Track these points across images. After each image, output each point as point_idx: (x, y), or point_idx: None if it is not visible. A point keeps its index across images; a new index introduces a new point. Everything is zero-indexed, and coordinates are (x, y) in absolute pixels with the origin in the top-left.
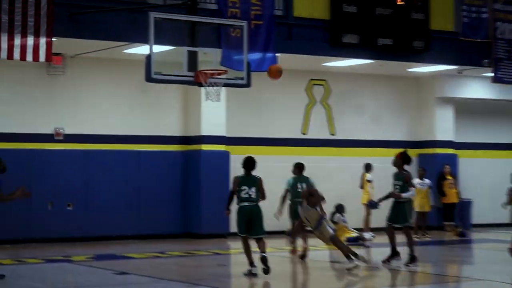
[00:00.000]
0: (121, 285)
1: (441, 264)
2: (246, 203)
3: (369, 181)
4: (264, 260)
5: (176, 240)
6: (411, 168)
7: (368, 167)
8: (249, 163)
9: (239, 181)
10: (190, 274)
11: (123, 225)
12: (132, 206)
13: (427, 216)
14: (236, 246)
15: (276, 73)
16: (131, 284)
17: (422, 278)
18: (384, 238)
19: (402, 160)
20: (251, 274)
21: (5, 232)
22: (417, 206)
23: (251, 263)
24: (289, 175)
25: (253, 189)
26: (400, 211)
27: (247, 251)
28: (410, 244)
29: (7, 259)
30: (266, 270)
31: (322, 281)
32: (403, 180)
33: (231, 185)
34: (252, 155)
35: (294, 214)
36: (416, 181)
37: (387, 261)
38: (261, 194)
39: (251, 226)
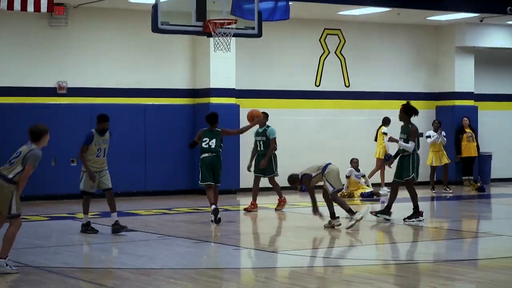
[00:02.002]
0: (128, 242)
1: (459, 220)
2: (206, 154)
3: (385, 133)
4: (216, 211)
5: (183, 196)
6: (428, 121)
7: (386, 121)
8: (211, 118)
9: (202, 133)
10: (198, 231)
11: (129, 181)
12: (138, 161)
13: (447, 169)
14: (246, 202)
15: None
16: (138, 241)
17: (439, 234)
18: (400, 194)
19: (405, 113)
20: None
21: None
22: (432, 160)
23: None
24: (302, 128)
25: (213, 141)
26: (403, 165)
27: (210, 197)
28: (413, 198)
29: None
30: (217, 220)
31: (334, 236)
32: (407, 134)
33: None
34: (213, 111)
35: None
36: (431, 133)
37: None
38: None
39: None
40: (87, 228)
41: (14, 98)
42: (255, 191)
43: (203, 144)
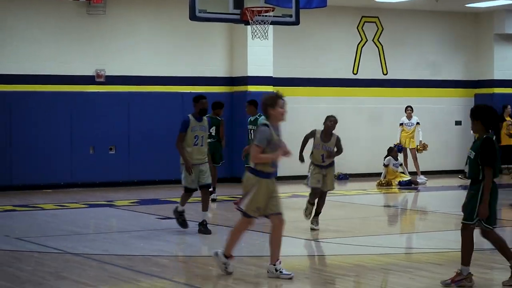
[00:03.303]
0: (165, 230)
1: (499, 208)
2: (209, 140)
3: (400, 124)
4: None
5: (221, 184)
6: (466, 108)
7: (405, 109)
8: (218, 104)
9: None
10: (236, 219)
11: (166, 169)
12: (175, 149)
13: None
14: (283, 190)
15: None
16: (176, 229)
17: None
18: (435, 182)
19: None
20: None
21: (47, 177)
22: None
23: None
24: (339, 116)
25: (213, 128)
26: None
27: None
28: None
29: (49, 204)
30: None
31: (376, 225)
32: None
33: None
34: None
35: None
36: None
37: None
38: (221, 134)
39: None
40: (179, 217)
41: (52, 86)
42: None
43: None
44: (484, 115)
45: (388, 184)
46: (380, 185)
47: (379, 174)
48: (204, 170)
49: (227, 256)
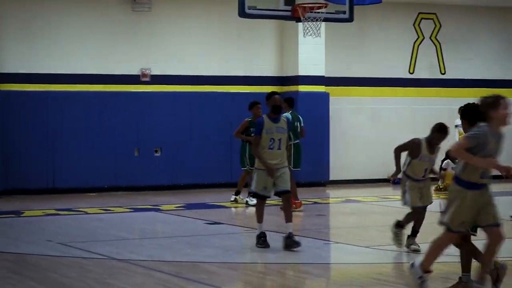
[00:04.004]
0: (213, 235)
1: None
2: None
3: (456, 126)
4: None
5: None
6: None
7: (458, 110)
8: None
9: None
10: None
11: (215, 172)
12: (224, 151)
13: None
14: (335, 195)
15: None
16: (224, 234)
17: None
18: (499, 187)
19: None
20: None
21: (90, 180)
22: None
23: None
24: (395, 117)
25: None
26: None
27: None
28: None
29: (93, 208)
30: None
31: (435, 232)
32: None
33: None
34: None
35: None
36: None
37: None
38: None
39: None
40: (259, 241)
41: (96, 85)
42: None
43: None
44: (470, 115)
45: (446, 189)
46: (438, 190)
47: (436, 179)
48: (282, 174)
49: (426, 271)
